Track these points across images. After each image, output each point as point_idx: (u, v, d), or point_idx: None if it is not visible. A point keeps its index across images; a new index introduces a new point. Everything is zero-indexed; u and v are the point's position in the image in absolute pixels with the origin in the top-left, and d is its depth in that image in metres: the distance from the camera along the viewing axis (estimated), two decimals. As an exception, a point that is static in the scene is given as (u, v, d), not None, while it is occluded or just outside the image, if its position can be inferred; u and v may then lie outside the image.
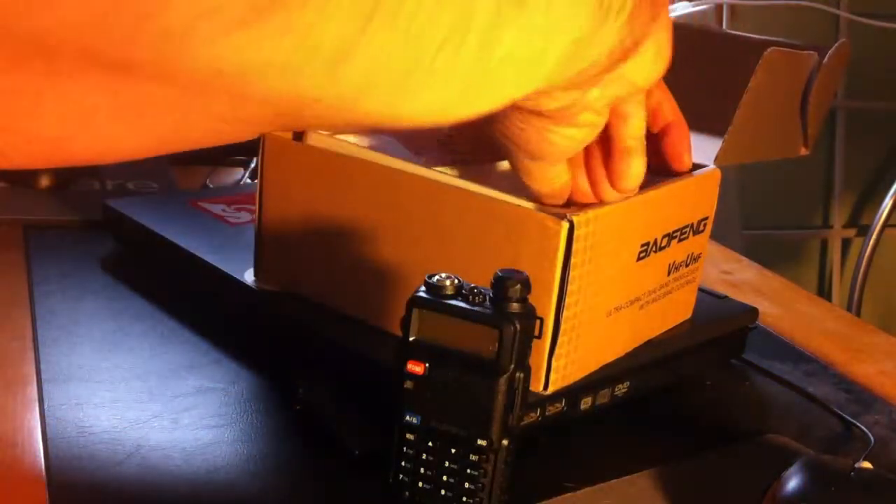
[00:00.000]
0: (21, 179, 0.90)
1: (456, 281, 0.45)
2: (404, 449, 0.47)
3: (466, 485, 0.46)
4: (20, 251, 0.80)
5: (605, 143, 0.52)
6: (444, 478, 0.46)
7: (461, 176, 0.58)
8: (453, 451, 0.46)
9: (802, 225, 2.54)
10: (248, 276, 0.67)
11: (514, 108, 0.45)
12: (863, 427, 0.64)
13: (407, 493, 0.47)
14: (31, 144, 0.34)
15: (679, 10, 1.92)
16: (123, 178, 0.95)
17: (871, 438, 0.62)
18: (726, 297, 0.74)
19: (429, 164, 0.58)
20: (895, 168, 2.50)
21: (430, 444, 0.46)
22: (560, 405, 0.57)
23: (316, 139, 0.62)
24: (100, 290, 0.74)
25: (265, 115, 0.36)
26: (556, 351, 0.54)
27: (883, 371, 0.76)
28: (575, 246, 0.52)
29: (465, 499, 0.46)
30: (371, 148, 0.62)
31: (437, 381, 0.45)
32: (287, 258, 0.65)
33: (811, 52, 0.69)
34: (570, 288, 0.52)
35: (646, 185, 0.56)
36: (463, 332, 0.45)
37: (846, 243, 2.54)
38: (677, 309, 0.66)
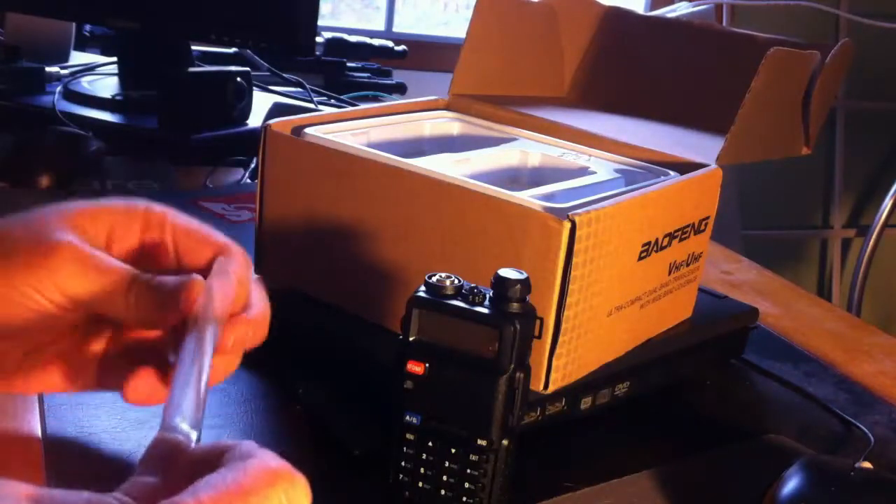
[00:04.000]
0: (21, 179, 0.90)
1: (456, 281, 0.45)
2: (404, 449, 0.46)
3: (466, 485, 0.46)
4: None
5: None
6: (444, 478, 0.46)
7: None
8: (453, 451, 0.46)
9: (802, 225, 2.54)
10: (248, 276, 0.67)
11: None
12: (863, 427, 0.64)
13: (407, 493, 0.47)
14: None
15: (679, 9, 1.92)
16: (124, 178, 0.95)
17: (871, 438, 0.62)
18: (726, 297, 0.74)
19: None
20: (895, 168, 2.50)
21: (430, 444, 0.46)
22: (560, 405, 0.57)
23: (316, 136, 0.62)
24: (100, 289, 0.74)
25: None
26: (557, 350, 0.54)
27: (883, 371, 0.76)
28: (576, 245, 0.52)
29: (465, 499, 0.46)
30: (371, 146, 0.62)
31: (437, 381, 0.45)
32: (288, 256, 0.65)
33: (814, 51, 0.69)
34: (571, 287, 0.52)
35: (647, 184, 0.56)
36: (463, 332, 0.45)
37: (846, 243, 2.54)
38: (677, 308, 0.66)
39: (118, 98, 1.14)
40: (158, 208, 0.48)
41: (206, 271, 0.46)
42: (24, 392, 0.49)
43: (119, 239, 0.47)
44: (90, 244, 0.45)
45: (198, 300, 0.43)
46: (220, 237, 0.48)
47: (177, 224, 0.48)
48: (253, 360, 0.64)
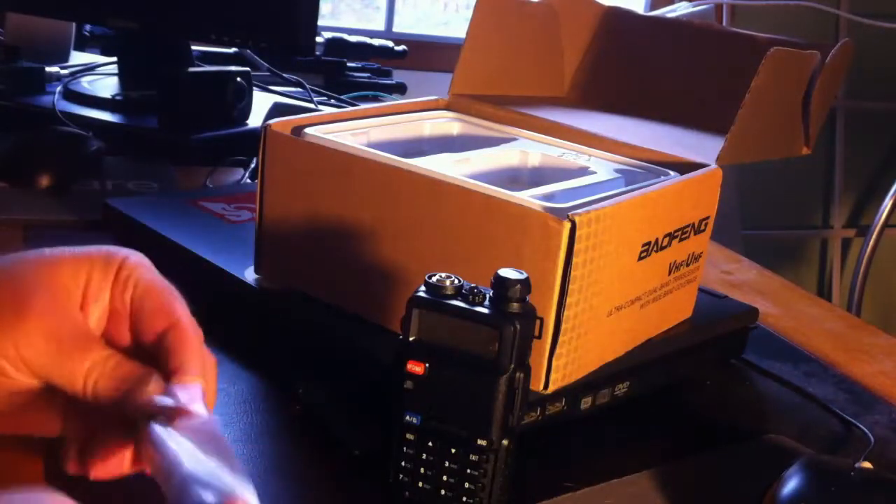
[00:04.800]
0: (21, 179, 0.90)
1: (456, 281, 0.45)
2: (404, 449, 0.46)
3: (466, 485, 0.46)
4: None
5: None
6: (444, 478, 0.46)
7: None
8: (453, 451, 0.46)
9: (802, 225, 2.54)
10: (249, 275, 0.67)
11: None
12: (863, 427, 0.64)
13: (407, 493, 0.47)
14: None
15: (679, 9, 1.92)
16: (123, 177, 0.95)
17: (871, 438, 0.62)
18: (726, 297, 0.74)
19: None
20: (895, 168, 2.50)
21: (430, 444, 0.46)
22: (560, 405, 0.57)
23: (316, 136, 0.62)
24: (100, 289, 0.74)
25: None
26: (557, 350, 0.54)
27: (883, 371, 0.76)
28: (576, 245, 0.52)
29: (464, 499, 0.46)
30: (371, 146, 0.62)
31: (437, 381, 0.45)
32: (287, 256, 0.65)
33: (814, 51, 0.69)
34: (571, 287, 0.52)
35: (647, 184, 0.56)
36: (463, 332, 0.45)
37: (846, 243, 2.54)
38: (677, 308, 0.66)
39: (118, 98, 1.14)
40: (133, 260, 0.47)
41: (152, 346, 0.45)
42: None
43: (95, 293, 0.46)
44: (68, 301, 0.44)
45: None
46: (176, 309, 0.46)
47: (140, 283, 0.47)
48: (253, 360, 0.64)
